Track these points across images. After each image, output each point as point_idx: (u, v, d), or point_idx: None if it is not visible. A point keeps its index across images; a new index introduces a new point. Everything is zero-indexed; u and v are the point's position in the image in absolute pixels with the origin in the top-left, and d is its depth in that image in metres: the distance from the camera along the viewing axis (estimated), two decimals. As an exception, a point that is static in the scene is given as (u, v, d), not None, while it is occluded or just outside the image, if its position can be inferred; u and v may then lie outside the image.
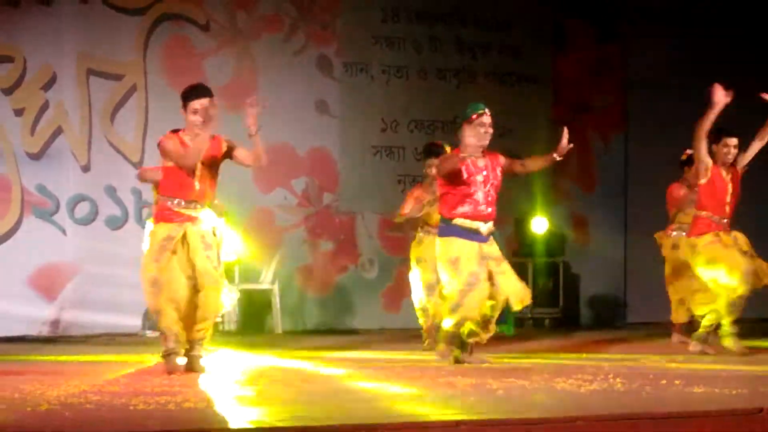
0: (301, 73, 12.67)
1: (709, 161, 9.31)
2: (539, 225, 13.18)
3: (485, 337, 8.49)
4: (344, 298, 12.78)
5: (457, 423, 5.41)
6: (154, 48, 12.06)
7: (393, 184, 12.86)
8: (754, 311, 13.72)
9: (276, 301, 12.10)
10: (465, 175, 8.34)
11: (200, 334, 7.75)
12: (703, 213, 9.39)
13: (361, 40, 13.01)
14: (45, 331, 11.49)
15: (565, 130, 8.44)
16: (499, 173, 8.50)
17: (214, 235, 7.79)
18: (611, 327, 13.22)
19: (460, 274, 8.26)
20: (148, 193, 10.62)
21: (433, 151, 9.66)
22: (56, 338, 11.28)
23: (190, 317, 7.70)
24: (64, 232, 11.66)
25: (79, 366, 8.45)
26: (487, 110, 8.43)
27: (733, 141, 9.41)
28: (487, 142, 8.44)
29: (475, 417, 5.56)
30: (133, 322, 11.43)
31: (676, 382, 7.16)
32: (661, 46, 13.83)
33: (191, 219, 7.73)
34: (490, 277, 8.32)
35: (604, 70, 13.98)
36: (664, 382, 7.19)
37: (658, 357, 9.13)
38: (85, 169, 11.66)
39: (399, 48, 13.15)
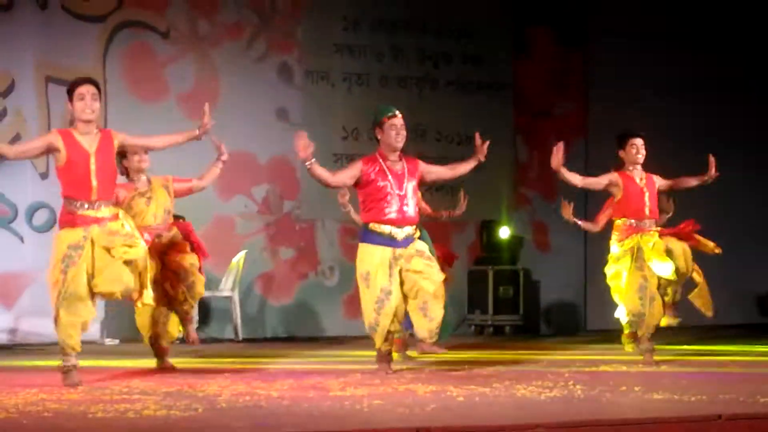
0: (262, 81, 12.66)
1: (607, 178, 9.32)
2: (503, 232, 13.21)
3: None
4: (305, 305, 12.77)
5: (418, 430, 5.41)
6: (114, 55, 12.01)
7: (354, 191, 12.83)
8: (722, 318, 13.92)
9: (236, 308, 12.07)
10: (378, 180, 8.34)
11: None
12: (620, 221, 9.40)
13: (322, 48, 13.01)
14: (2, 339, 11.42)
15: (476, 135, 8.54)
16: (416, 177, 8.46)
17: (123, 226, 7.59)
18: (571, 334, 13.27)
19: (371, 290, 8.32)
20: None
21: None
22: (13, 346, 11.21)
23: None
24: (21, 239, 11.60)
25: (37, 374, 8.39)
26: (398, 112, 8.44)
27: (639, 141, 9.40)
28: (400, 145, 8.40)
29: (435, 424, 5.56)
30: (91, 330, 11.33)
31: (636, 388, 7.18)
32: (622, 53, 13.91)
33: (97, 221, 7.49)
34: (402, 278, 8.32)
35: (566, 77, 14.04)
36: (623, 388, 7.21)
37: (618, 364, 9.16)
38: (44, 176, 11.60)
39: (360, 56, 13.17)
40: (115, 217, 7.56)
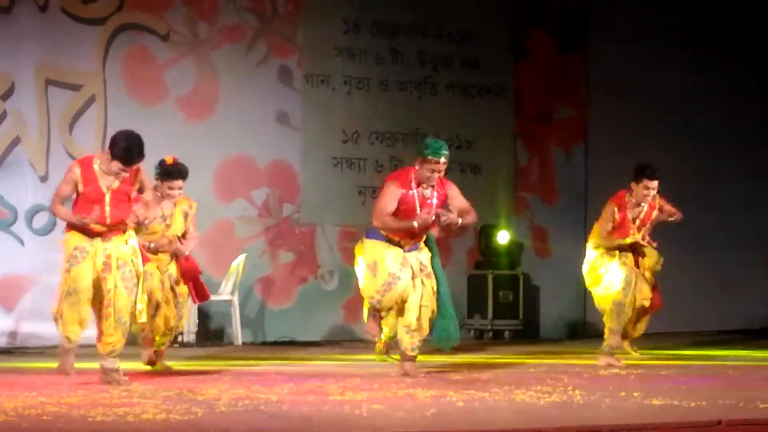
0: (262, 84, 12.65)
1: (610, 223, 9.68)
2: (502, 237, 13.20)
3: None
4: (304, 309, 12.74)
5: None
6: (113, 58, 11.99)
7: (353, 196, 12.85)
8: (717, 323, 13.93)
9: (236, 312, 12.05)
10: (406, 202, 8.55)
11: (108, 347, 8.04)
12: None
13: (322, 52, 12.99)
14: (2, 342, 11.39)
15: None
16: (441, 203, 8.66)
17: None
18: (571, 339, 13.25)
19: (378, 277, 8.50)
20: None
21: None
22: (13, 349, 11.18)
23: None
24: (22, 242, 11.57)
25: (36, 377, 8.38)
26: (443, 158, 8.54)
27: (654, 184, 9.57)
28: (434, 182, 8.61)
29: (435, 429, 5.56)
30: (90, 333, 11.32)
31: (635, 393, 7.18)
32: (622, 56, 13.90)
33: (101, 234, 7.94)
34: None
35: (566, 81, 14.02)
36: (623, 393, 7.21)
37: (618, 369, 9.16)
38: (44, 179, 11.58)
39: (360, 60, 13.15)
40: (122, 231, 8.01)
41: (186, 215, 9.20)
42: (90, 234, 7.91)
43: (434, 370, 8.85)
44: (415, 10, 13.39)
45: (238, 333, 12.04)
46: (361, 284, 8.80)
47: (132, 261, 7.97)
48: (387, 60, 13.25)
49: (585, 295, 13.73)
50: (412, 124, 13.12)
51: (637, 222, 9.70)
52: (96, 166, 7.96)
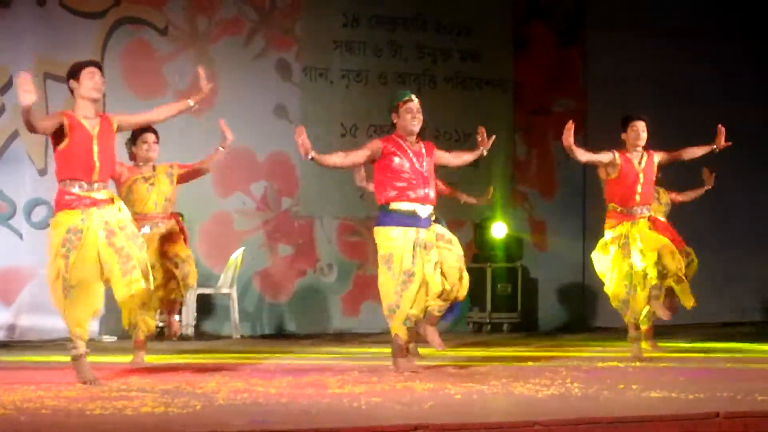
0: (260, 78, 12.65)
1: (608, 156, 9.31)
2: (499, 230, 13.20)
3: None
4: (303, 302, 12.76)
5: (416, 427, 5.41)
6: (112, 52, 12.00)
7: (352, 189, 12.78)
8: (717, 316, 13.94)
9: (234, 305, 12.06)
10: (398, 157, 8.28)
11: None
12: (611, 207, 9.44)
13: (320, 45, 13.00)
14: (1, 335, 11.41)
15: (481, 130, 8.63)
16: (433, 157, 8.44)
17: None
18: (569, 331, 13.26)
19: (393, 272, 8.22)
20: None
21: None
22: (12, 343, 11.20)
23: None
24: (20, 236, 11.59)
25: (35, 370, 8.39)
26: (413, 96, 8.44)
27: (641, 124, 9.40)
28: (417, 128, 8.37)
29: (433, 422, 5.56)
30: (89, 326, 11.33)
31: (634, 386, 7.18)
32: (621, 49, 13.91)
33: (95, 203, 7.41)
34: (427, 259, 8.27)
35: (565, 74, 14.03)
36: (621, 386, 7.21)
37: (616, 361, 9.16)
38: (42, 172, 11.58)
39: (359, 52, 13.15)
40: (111, 200, 7.50)
41: (171, 175, 9.11)
42: (87, 204, 7.37)
43: (432, 363, 8.84)
44: (413, 3, 13.40)
45: (236, 326, 12.05)
46: (381, 281, 8.34)
47: (132, 224, 7.53)
48: (385, 53, 13.26)
49: (583, 288, 13.78)
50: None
51: (641, 177, 9.36)
52: (76, 114, 7.50)
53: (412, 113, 8.38)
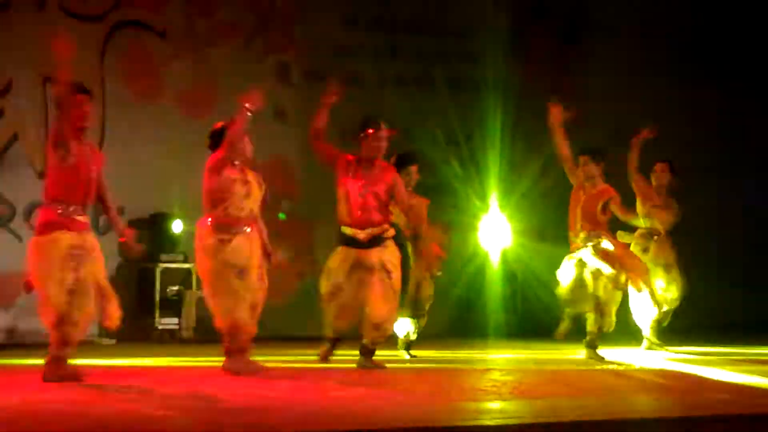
0: (259, 81, 12.64)
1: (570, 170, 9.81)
2: (492, 231, 13.19)
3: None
4: (301, 305, 12.73)
5: (416, 428, 5.42)
6: (111, 55, 12.00)
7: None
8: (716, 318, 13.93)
9: (234, 308, 12.03)
10: (348, 182, 8.64)
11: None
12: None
13: (320, 48, 13.00)
14: (0, 338, 11.41)
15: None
16: (389, 182, 8.64)
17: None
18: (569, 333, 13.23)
19: (327, 283, 8.66)
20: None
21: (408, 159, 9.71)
22: (11, 345, 11.20)
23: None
24: (20, 239, 11.58)
25: (34, 373, 8.38)
26: (383, 125, 8.54)
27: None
28: (379, 155, 8.68)
29: (433, 424, 5.57)
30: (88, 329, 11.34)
31: (632, 388, 7.19)
32: (619, 50, 13.92)
33: (84, 226, 7.63)
34: (360, 286, 8.54)
35: (563, 76, 14.02)
36: (619, 388, 7.22)
37: (613, 365, 9.17)
38: (42, 175, 11.57)
39: (358, 56, 13.15)
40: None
41: (261, 185, 9.05)
42: (79, 228, 7.56)
43: (431, 366, 8.86)
44: (411, 6, 13.40)
45: (236, 329, 12.02)
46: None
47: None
48: (384, 56, 13.26)
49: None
50: (409, 119, 13.09)
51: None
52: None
53: (378, 141, 8.66)
